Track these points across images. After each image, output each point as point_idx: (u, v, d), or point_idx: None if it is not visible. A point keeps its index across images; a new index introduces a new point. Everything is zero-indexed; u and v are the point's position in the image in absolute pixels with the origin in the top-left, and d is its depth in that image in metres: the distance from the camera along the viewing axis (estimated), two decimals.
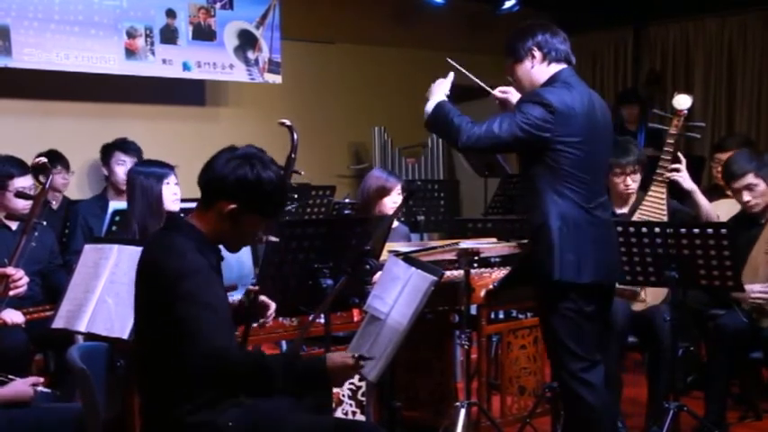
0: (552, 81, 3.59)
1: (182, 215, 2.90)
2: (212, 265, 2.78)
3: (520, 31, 3.68)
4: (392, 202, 4.90)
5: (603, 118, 3.66)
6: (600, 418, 3.61)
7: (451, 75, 3.81)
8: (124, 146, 5.99)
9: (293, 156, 3.67)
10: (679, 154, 4.78)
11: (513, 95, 3.81)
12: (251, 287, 3.19)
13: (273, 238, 3.54)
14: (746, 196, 4.66)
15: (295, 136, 3.72)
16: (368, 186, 5.03)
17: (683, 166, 4.77)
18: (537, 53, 3.60)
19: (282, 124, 3.75)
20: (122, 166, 5.81)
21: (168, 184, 4.29)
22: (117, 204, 4.80)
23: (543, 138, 3.47)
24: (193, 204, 4.34)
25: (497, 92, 3.91)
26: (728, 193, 5.30)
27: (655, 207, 4.68)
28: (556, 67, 3.61)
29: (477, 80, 4.00)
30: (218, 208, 2.75)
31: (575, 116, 3.49)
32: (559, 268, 3.48)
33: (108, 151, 6.06)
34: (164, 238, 2.79)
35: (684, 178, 4.77)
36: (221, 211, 2.75)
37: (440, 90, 3.72)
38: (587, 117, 3.53)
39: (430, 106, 3.66)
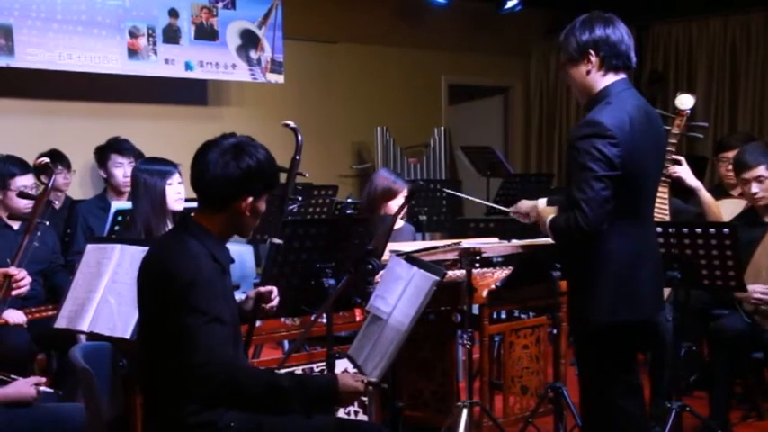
0: (605, 95, 3.29)
1: (192, 215, 2.89)
2: (224, 268, 2.81)
3: (578, 24, 3.33)
4: (398, 205, 4.88)
5: (656, 132, 3.38)
6: None
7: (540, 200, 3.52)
8: (119, 147, 5.90)
9: (297, 158, 3.66)
10: (677, 156, 4.75)
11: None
12: (261, 288, 3.18)
13: (278, 241, 3.53)
14: (755, 188, 4.64)
15: (299, 138, 3.71)
16: (374, 187, 5.02)
17: (683, 165, 4.75)
18: (593, 58, 3.28)
19: (287, 126, 3.74)
20: (120, 168, 5.76)
21: (171, 184, 4.26)
22: (119, 204, 4.80)
23: (617, 168, 3.17)
24: (197, 204, 4.36)
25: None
26: (732, 193, 5.30)
27: (657, 207, 4.68)
28: (612, 78, 3.30)
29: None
30: (234, 208, 2.77)
31: (630, 140, 3.19)
32: (611, 308, 3.26)
33: (103, 154, 6.02)
34: (177, 241, 2.78)
35: (687, 175, 4.76)
36: (239, 208, 2.77)
37: (534, 210, 3.47)
38: (640, 136, 3.23)
39: (548, 224, 3.34)
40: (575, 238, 3.22)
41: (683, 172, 4.74)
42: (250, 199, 2.76)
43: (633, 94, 3.35)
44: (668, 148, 4.71)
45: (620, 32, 3.32)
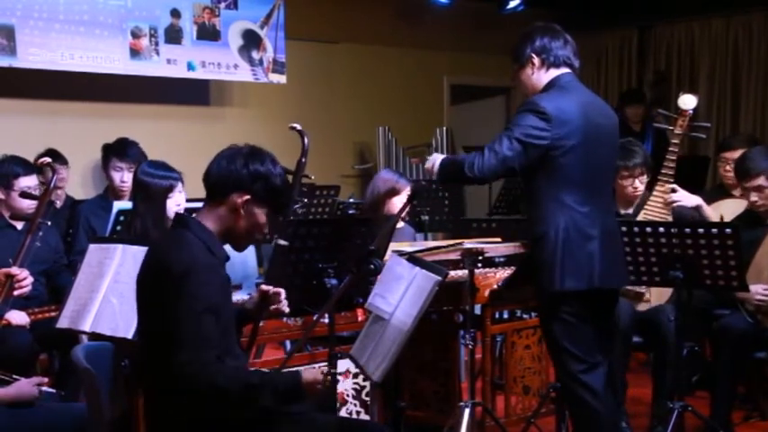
0: (550, 86, 3.63)
1: (192, 214, 2.89)
2: (220, 262, 2.81)
3: (521, 37, 3.71)
4: (401, 203, 4.88)
5: (606, 121, 3.67)
6: (603, 423, 3.63)
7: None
8: (120, 151, 5.83)
9: (303, 160, 3.67)
10: (673, 186, 4.74)
11: None
12: (263, 286, 3.16)
13: (283, 242, 3.53)
14: (754, 196, 4.65)
15: (305, 140, 3.70)
16: (377, 187, 5.01)
17: (678, 191, 4.73)
18: (536, 59, 3.64)
19: (293, 128, 3.74)
20: (118, 173, 5.72)
21: (172, 197, 4.20)
22: (121, 204, 4.79)
23: (542, 145, 3.48)
24: (198, 204, 4.34)
25: None
26: (734, 193, 5.30)
27: (659, 207, 4.68)
28: (555, 72, 3.64)
29: None
30: (230, 202, 2.79)
31: (570, 121, 3.49)
32: (560, 278, 3.51)
33: (106, 155, 6.00)
34: (173, 235, 2.82)
35: (686, 199, 4.74)
36: (234, 204, 2.79)
37: (436, 156, 3.80)
38: (585, 120, 3.52)
39: (436, 163, 3.72)
40: (459, 176, 3.61)
41: (681, 197, 4.73)
42: (247, 197, 2.78)
43: (579, 85, 3.69)
44: (671, 149, 4.72)
45: (559, 41, 3.67)
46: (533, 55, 3.64)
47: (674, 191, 4.73)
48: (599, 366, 3.64)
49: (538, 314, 3.93)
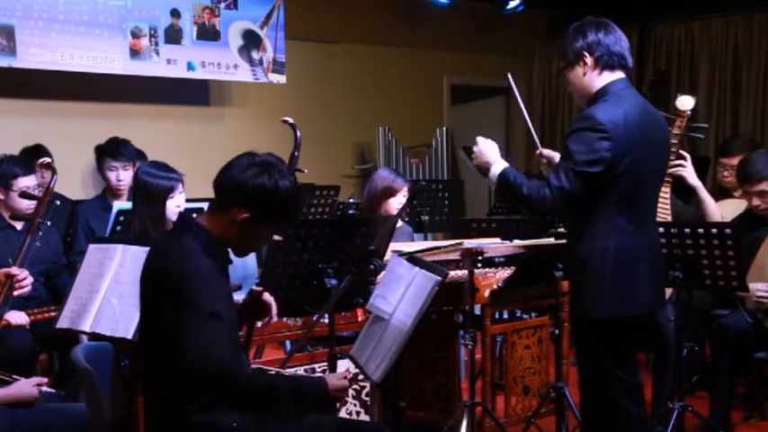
0: (603, 92, 3.36)
1: (193, 215, 2.89)
2: (221, 266, 2.80)
3: (572, 31, 3.42)
4: (398, 203, 4.88)
5: (658, 129, 3.45)
6: None
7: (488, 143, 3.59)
8: (113, 150, 5.82)
9: (296, 154, 3.67)
10: (682, 152, 4.76)
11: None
12: (254, 288, 3.17)
13: (277, 237, 3.53)
14: (756, 201, 4.66)
15: (298, 134, 3.71)
16: (374, 186, 5.01)
17: (687, 162, 4.74)
18: (588, 58, 3.37)
19: (285, 122, 3.75)
20: (114, 172, 5.71)
21: (173, 197, 4.18)
22: (121, 204, 4.79)
23: (603, 168, 3.24)
24: (198, 204, 4.35)
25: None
26: (734, 194, 5.30)
27: (659, 207, 4.67)
28: (609, 77, 3.38)
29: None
30: (231, 214, 2.77)
31: (628, 137, 3.25)
32: (609, 304, 3.31)
33: (99, 156, 5.99)
34: (174, 241, 2.81)
35: (689, 173, 4.75)
36: (234, 218, 2.76)
37: (492, 151, 3.53)
38: (641, 135, 3.30)
39: (495, 172, 3.48)
40: (523, 204, 3.37)
41: (686, 170, 4.74)
42: (245, 215, 2.75)
43: (633, 92, 3.42)
44: (670, 149, 4.72)
45: (612, 36, 3.41)
46: (585, 53, 3.36)
47: (683, 158, 4.70)
48: (639, 390, 3.48)
49: (574, 335, 3.69)
